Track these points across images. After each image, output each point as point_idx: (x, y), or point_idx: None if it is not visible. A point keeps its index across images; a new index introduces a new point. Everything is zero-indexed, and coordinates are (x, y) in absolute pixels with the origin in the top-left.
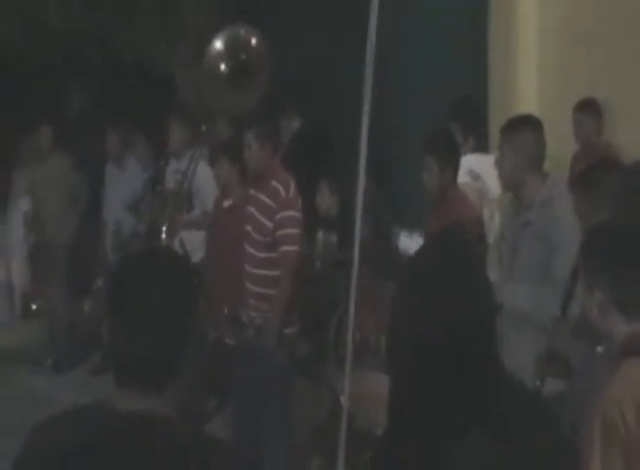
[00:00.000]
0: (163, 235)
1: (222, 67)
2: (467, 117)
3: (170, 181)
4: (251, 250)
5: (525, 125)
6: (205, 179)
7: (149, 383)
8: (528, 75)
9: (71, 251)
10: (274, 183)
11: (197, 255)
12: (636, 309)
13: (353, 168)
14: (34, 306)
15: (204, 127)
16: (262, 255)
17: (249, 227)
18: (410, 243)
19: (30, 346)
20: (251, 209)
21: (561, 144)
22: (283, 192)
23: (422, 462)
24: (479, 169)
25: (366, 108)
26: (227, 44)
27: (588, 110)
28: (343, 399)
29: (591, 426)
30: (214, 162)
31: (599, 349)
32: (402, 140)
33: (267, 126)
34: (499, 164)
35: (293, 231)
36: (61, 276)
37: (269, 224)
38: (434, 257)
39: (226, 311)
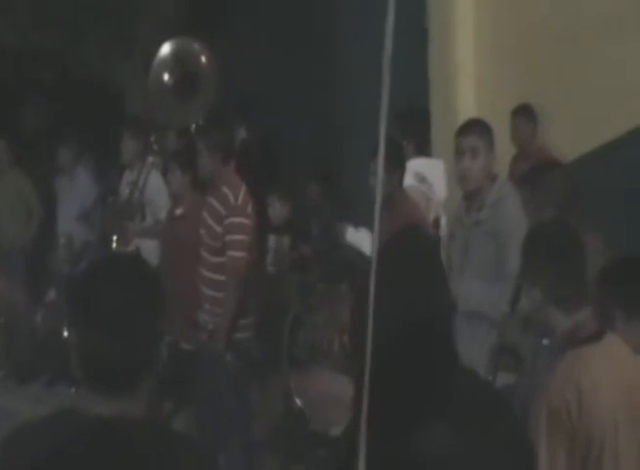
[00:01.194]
0: (114, 244)
1: (166, 76)
2: (410, 124)
3: (124, 192)
4: (204, 254)
5: (488, 130)
6: (157, 188)
7: (121, 386)
8: (466, 87)
9: (27, 263)
10: (224, 189)
11: (151, 262)
12: (574, 303)
13: (305, 178)
14: None
15: (152, 138)
16: (215, 259)
17: (202, 231)
18: (357, 236)
19: None
20: (205, 213)
21: (498, 148)
22: (232, 198)
23: (386, 457)
24: (424, 172)
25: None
26: (173, 54)
27: (524, 114)
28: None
29: (538, 415)
30: (166, 171)
31: (545, 341)
32: (350, 141)
33: (218, 135)
34: (469, 168)
35: (239, 237)
36: (17, 288)
37: (218, 229)
38: (394, 256)
39: (181, 316)
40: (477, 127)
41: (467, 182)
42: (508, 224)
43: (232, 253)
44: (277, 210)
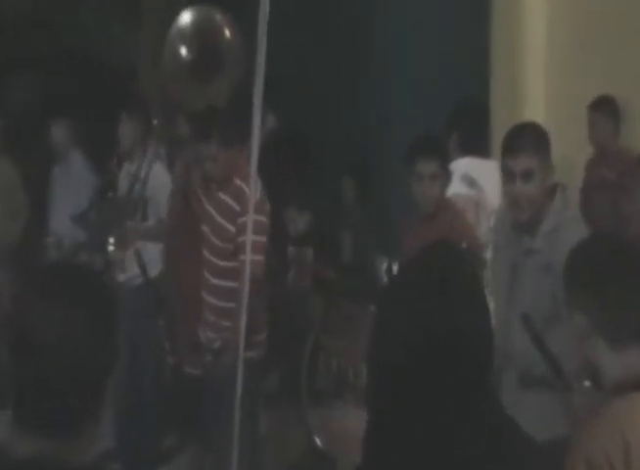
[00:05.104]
0: (111, 247)
1: (183, 51)
2: (461, 117)
3: (124, 186)
4: (210, 257)
5: (544, 140)
6: (161, 183)
7: (57, 424)
8: (535, 74)
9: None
10: (238, 181)
11: (154, 268)
12: (625, 338)
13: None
14: None
15: (155, 122)
16: (224, 263)
17: (205, 228)
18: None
19: None
20: (209, 207)
21: (572, 149)
22: (248, 191)
23: None
24: (475, 175)
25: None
26: (193, 24)
27: (605, 109)
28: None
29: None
30: (172, 162)
31: (586, 383)
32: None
33: (234, 129)
34: (521, 193)
35: (257, 238)
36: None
37: (231, 228)
38: (421, 276)
39: (183, 334)
40: (529, 142)
41: (519, 211)
42: None
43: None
44: (296, 217)
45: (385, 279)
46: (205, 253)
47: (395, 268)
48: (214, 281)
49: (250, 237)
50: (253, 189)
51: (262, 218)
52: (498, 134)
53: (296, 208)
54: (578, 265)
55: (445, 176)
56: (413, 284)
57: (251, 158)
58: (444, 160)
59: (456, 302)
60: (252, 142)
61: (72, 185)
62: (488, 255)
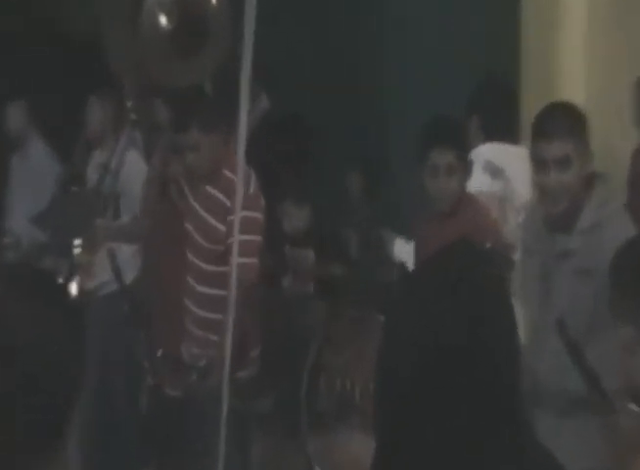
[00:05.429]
0: (77, 250)
1: (163, 20)
2: (485, 98)
3: (93, 178)
4: (195, 260)
5: (581, 123)
6: (136, 174)
7: (14, 451)
8: (572, 49)
9: None
10: (228, 173)
11: (129, 274)
12: None
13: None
14: None
15: (129, 103)
16: (211, 267)
17: (189, 226)
18: (408, 250)
19: None
20: (195, 203)
21: (615, 135)
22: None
23: None
24: (501, 163)
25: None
26: None
27: None
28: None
29: None
30: (150, 150)
31: (632, 406)
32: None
33: (220, 112)
34: (556, 182)
35: (252, 238)
36: None
37: (220, 227)
38: (437, 279)
39: (161, 351)
40: (564, 124)
41: (553, 205)
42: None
43: (240, 259)
44: (294, 213)
45: (396, 283)
46: (189, 255)
47: (408, 271)
48: (200, 288)
49: (237, 235)
50: (240, 180)
51: (256, 215)
52: (528, 116)
53: (294, 202)
54: (624, 268)
55: (464, 168)
56: (428, 288)
57: (239, 145)
58: (463, 148)
59: (477, 309)
60: (239, 127)
61: (31, 177)
62: (516, 256)
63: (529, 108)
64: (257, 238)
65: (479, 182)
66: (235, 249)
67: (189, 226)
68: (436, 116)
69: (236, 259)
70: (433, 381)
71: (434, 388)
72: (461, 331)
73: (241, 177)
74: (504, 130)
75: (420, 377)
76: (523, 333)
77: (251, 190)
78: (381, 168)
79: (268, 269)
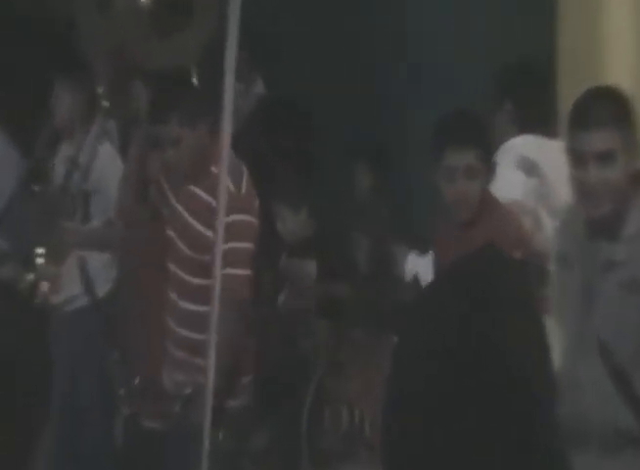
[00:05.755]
0: (40, 260)
1: None
2: (517, 83)
3: (59, 175)
4: (178, 272)
5: (628, 111)
6: (110, 171)
7: None
8: (617, 27)
9: None
10: (215, 171)
11: (102, 286)
12: None
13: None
14: None
15: (102, 90)
16: (197, 280)
17: (172, 233)
18: (422, 265)
19: None
20: (177, 205)
21: None
22: (231, 184)
23: None
24: (535, 158)
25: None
26: None
27: None
28: None
29: None
30: (126, 142)
31: None
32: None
33: (205, 100)
34: (598, 179)
35: (243, 246)
36: None
37: (208, 233)
38: (457, 292)
39: (138, 378)
40: (608, 113)
41: (594, 206)
42: None
43: (231, 270)
44: (292, 217)
45: (410, 299)
46: (172, 266)
47: (424, 281)
48: (184, 304)
49: (220, 243)
50: (224, 176)
51: (249, 218)
52: (566, 104)
53: (292, 204)
54: None
55: (487, 169)
56: (446, 304)
57: (223, 137)
58: (485, 146)
59: (503, 330)
60: (224, 116)
61: None
62: (551, 267)
63: (568, 95)
64: (250, 246)
65: (511, 181)
66: (218, 259)
67: (171, 232)
68: (454, 109)
69: (219, 270)
70: (452, 411)
71: (455, 420)
72: (484, 357)
73: (224, 173)
74: (539, 121)
75: (437, 406)
76: (559, 358)
77: (243, 190)
78: (393, 163)
79: (262, 283)
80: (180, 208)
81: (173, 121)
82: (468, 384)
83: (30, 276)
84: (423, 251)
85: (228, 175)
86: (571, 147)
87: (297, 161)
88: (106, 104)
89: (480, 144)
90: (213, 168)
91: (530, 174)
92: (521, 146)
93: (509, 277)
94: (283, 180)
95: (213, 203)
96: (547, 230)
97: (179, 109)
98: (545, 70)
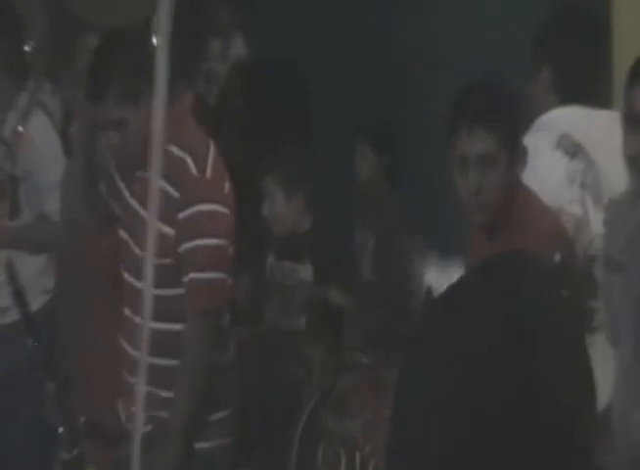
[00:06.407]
0: None
1: None
2: (567, 44)
3: None
4: (132, 280)
5: None
6: (45, 153)
7: None
8: None
9: None
10: (175, 151)
11: (36, 297)
12: None
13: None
14: None
15: (27, 48)
16: (157, 292)
17: (125, 234)
18: (445, 278)
19: None
20: (130, 199)
21: None
22: (192, 166)
23: None
24: (582, 137)
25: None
26: None
27: None
28: None
29: None
30: (67, 119)
31: None
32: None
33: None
34: None
35: (212, 243)
36: None
37: (167, 230)
38: (480, 303)
39: (88, 412)
40: None
41: None
42: None
43: (197, 275)
44: (281, 208)
45: (425, 307)
46: (126, 275)
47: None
48: (140, 321)
49: (151, 257)
50: (156, 180)
51: (218, 208)
52: (622, 66)
53: (281, 192)
54: None
55: (514, 157)
56: (466, 316)
57: (155, 114)
58: (511, 129)
59: (537, 348)
60: (157, 92)
61: None
62: (600, 273)
63: (625, 53)
64: (221, 242)
65: (550, 165)
66: (149, 269)
67: (124, 234)
68: (470, 81)
69: (150, 280)
70: (477, 442)
71: (481, 455)
72: (516, 381)
73: (157, 172)
74: (587, 87)
75: (457, 435)
76: (610, 380)
77: (209, 173)
78: (404, 142)
79: (241, 292)
80: (135, 203)
81: (109, 100)
82: (489, 404)
83: None
84: (447, 255)
85: (186, 153)
86: (628, 118)
87: (288, 138)
88: (39, 67)
89: (503, 125)
90: (173, 148)
91: (575, 157)
92: (562, 121)
93: (545, 285)
94: (273, 162)
95: (173, 191)
96: (594, 226)
97: (115, 83)
98: (595, 23)
